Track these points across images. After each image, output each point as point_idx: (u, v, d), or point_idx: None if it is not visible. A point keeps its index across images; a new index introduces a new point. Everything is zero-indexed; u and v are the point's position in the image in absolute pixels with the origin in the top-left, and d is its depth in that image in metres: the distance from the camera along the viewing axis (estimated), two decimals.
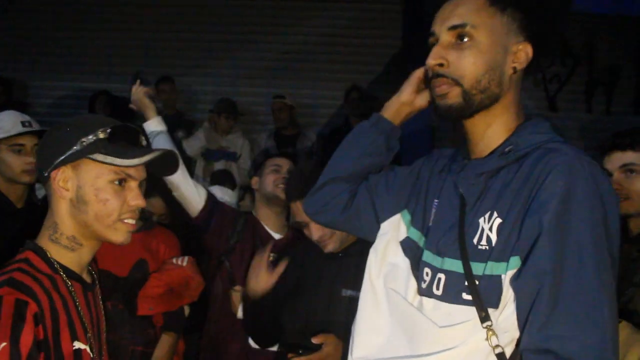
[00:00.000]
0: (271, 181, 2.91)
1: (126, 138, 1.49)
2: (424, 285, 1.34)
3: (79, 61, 6.80)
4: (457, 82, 1.28)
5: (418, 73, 1.51)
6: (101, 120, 1.52)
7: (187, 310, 2.72)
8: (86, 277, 1.54)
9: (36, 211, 2.71)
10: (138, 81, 3.00)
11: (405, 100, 1.54)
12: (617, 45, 6.74)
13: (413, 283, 1.38)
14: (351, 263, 2.14)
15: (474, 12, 1.27)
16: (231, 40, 6.82)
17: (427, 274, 1.35)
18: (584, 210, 1.17)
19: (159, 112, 2.97)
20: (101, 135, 1.46)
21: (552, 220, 1.17)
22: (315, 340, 2.05)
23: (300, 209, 2.10)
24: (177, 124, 6.05)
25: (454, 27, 1.28)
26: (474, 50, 1.27)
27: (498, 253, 1.24)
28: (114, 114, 5.97)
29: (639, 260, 2.11)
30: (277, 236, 2.96)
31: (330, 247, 2.22)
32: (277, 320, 2.29)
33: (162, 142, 2.86)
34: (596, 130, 6.42)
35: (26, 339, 1.31)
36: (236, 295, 2.73)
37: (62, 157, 1.45)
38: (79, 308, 1.47)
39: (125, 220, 1.49)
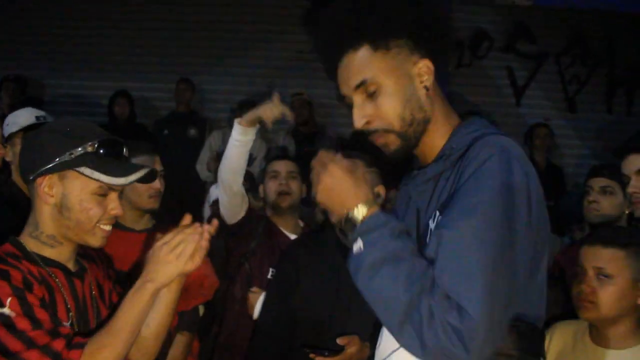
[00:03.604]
0: (272, 190, 2.96)
1: (111, 152, 1.59)
2: None
3: (96, 60, 6.82)
4: (388, 130, 1.36)
5: None
6: (90, 131, 1.60)
7: (201, 310, 2.69)
8: (71, 267, 1.62)
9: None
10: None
11: None
12: (638, 45, 6.64)
13: None
14: None
15: (366, 66, 1.35)
16: (247, 39, 6.82)
17: None
18: (483, 186, 1.22)
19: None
20: (89, 149, 1.56)
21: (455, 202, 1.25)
22: (339, 341, 2.04)
23: None
24: (189, 122, 6.10)
25: (357, 86, 1.36)
26: (384, 96, 1.35)
27: None
28: (131, 115, 6.03)
29: None
30: (292, 237, 2.96)
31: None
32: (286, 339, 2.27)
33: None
34: (616, 132, 6.33)
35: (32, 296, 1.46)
36: (254, 296, 2.72)
37: (49, 166, 1.54)
38: (62, 289, 1.56)
39: (102, 226, 1.60)
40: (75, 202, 1.55)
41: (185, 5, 6.84)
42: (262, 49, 6.79)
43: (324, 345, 2.06)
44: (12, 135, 2.72)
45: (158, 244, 1.57)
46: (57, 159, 1.54)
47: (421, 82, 1.37)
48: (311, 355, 2.05)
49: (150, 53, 6.79)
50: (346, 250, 2.19)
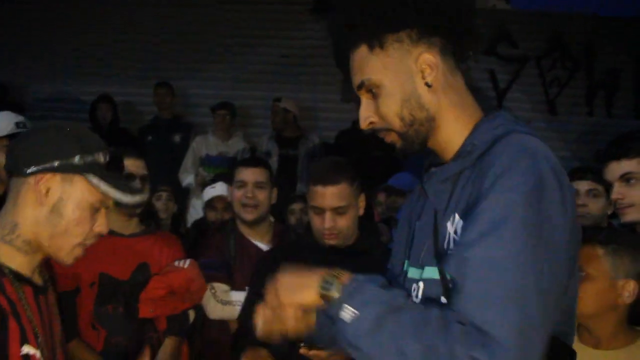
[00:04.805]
0: (237, 201, 2.83)
1: (117, 166, 1.54)
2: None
3: (78, 64, 6.79)
4: (389, 130, 1.31)
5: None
6: (98, 140, 1.51)
7: (192, 314, 2.69)
8: (37, 280, 1.49)
9: None
10: None
11: None
12: (617, 47, 6.74)
13: None
14: (356, 261, 2.12)
15: (364, 66, 1.29)
16: (231, 44, 6.83)
17: (413, 289, 1.35)
18: (510, 195, 1.13)
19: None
20: (101, 159, 1.46)
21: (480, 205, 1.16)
22: None
23: (319, 193, 2.16)
24: (173, 128, 6.09)
25: (359, 87, 1.31)
26: (383, 97, 1.29)
27: None
28: (115, 120, 6.00)
29: None
30: (264, 247, 2.85)
31: (334, 241, 2.22)
32: None
33: None
34: (597, 133, 6.41)
35: None
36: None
37: (57, 164, 1.42)
38: (28, 312, 1.42)
39: (87, 242, 1.49)
40: (70, 210, 1.44)
41: (169, 10, 6.84)
42: (246, 53, 6.80)
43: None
44: None
45: None
46: (66, 160, 1.42)
47: (423, 78, 1.27)
48: (301, 350, 2.03)
49: (133, 58, 6.78)
50: (328, 250, 2.22)
